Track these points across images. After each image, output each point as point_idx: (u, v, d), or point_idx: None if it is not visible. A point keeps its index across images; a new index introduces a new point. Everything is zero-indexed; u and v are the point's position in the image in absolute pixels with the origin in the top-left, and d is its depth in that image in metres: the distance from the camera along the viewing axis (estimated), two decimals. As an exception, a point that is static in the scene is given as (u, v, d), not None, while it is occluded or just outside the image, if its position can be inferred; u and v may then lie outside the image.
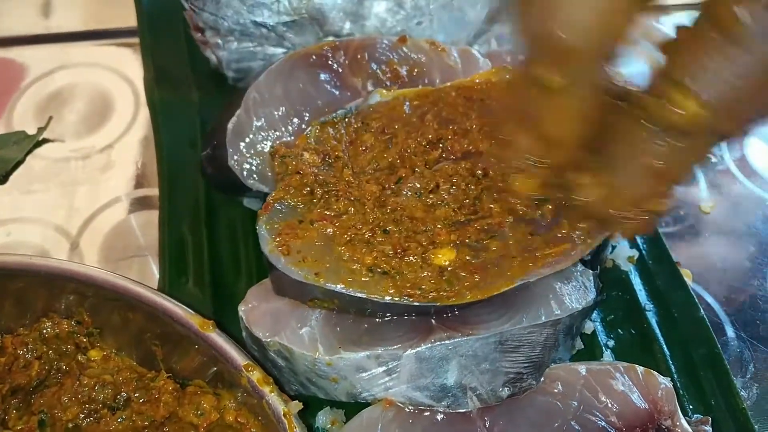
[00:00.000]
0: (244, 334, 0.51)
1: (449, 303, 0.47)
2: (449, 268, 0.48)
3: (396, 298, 0.47)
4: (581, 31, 0.34)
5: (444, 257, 0.48)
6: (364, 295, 0.47)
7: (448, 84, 0.59)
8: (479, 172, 0.52)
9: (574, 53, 0.35)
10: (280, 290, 0.51)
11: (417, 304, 0.47)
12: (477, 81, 0.59)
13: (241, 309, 0.51)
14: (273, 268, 0.49)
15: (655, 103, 0.36)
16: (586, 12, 0.34)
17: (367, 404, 0.50)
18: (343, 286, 0.47)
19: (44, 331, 0.49)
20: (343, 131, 0.56)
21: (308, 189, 0.52)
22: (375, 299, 0.47)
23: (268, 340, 0.49)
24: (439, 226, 0.50)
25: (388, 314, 0.49)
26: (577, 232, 0.49)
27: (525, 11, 0.36)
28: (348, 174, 0.53)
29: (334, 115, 0.57)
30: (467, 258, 0.48)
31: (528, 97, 0.38)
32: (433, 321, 0.49)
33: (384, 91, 0.58)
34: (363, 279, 0.47)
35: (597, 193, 0.41)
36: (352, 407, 0.51)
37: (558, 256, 0.48)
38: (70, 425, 0.46)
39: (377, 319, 0.50)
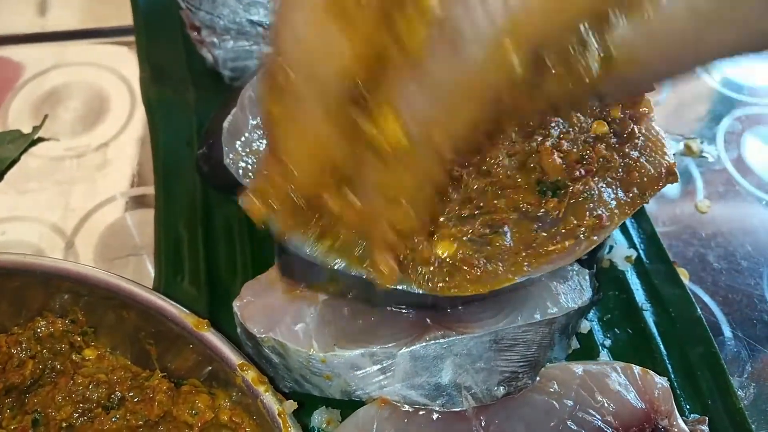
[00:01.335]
0: (238, 330, 0.51)
1: (450, 294, 0.46)
2: (450, 261, 0.47)
3: (399, 285, 0.46)
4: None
5: (442, 251, 0.48)
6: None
7: None
8: (484, 167, 0.52)
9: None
10: (286, 272, 0.51)
11: (420, 291, 0.46)
12: None
13: (236, 305, 0.51)
14: (281, 248, 0.49)
15: (366, 125, 0.34)
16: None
17: (362, 403, 0.50)
18: (351, 268, 0.46)
19: (38, 330, 0.49)
20: None
21: None
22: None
23: (263, 335, 0.49)
24: (441, 219, 0.49)
25: (387, 305, 0.49)
26: (582, 229, 0.49)
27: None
28: None
29: None
30: (470, 253, 0.48)
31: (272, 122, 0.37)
32: (428, 320, 0.49)
33: None
34: (367, 263, 0.46)
35: (346, 214, 0.40)
36: (348, 407, 0.51)
37: (562, 253, 0.48)
38: (64, 425, 0.46)
39: (372, 318, 0.50)
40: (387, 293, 0.47)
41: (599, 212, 0.50)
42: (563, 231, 0.49)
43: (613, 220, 0.50)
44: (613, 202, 0.51)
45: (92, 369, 0.48)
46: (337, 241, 0.48)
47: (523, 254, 0.48)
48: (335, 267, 0.47)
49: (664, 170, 0.52)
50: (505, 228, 0.49)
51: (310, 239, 0.48)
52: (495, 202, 0.51)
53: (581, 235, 0.49)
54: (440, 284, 0.46)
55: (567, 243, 0.49)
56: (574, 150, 0.52)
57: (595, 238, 0.49)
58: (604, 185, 0.51)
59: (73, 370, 0.48)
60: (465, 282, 0.47)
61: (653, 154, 0.53)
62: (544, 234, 0.49)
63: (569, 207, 0.50)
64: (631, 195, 0.51)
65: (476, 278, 0.47)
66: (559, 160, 0.51)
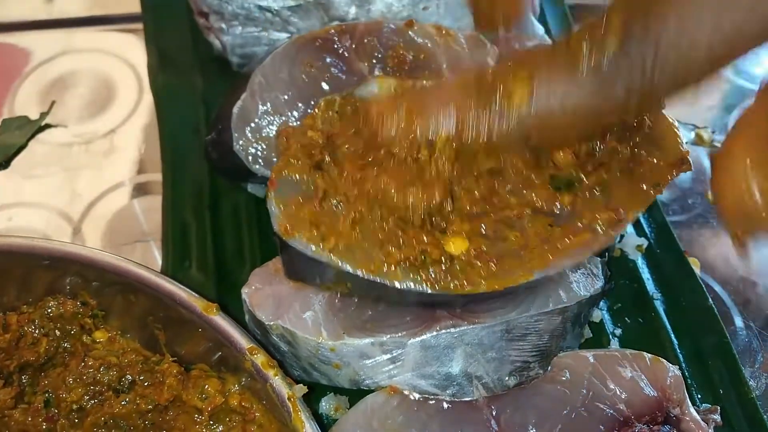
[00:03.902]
0: (247, 317, 0.51)
1: (464, 292, 0.45)
2: (463, 258, 0.46)
3: (411, 285, 0.45)
4: None
5: (456, 247, 0.47)
6: (378, 279, 0.45)
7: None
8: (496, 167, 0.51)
9: None
10: (290, 272, 0.50)
11: (430, 291, 0.45)
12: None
13: (245, 292, 0.50)
14: (285, 247, 0.48)
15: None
16: None
17: (371, 391, 0.49)
18: (358, 269, 0.45)
19: (48, 309, 0.49)
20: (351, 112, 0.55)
21: (314, 159, 0.50)
22: (389, 284, 0.45)
23: (271, 323, 0.48)
24: (453, 217, 0.48)
25: (398, 302, 0.49)
26: (599, 222, 0.48)
27: None
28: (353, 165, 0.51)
29: (345, 93, 0.56)
30: (483, 248, 0.46)
31: None
32: (438, 309, 0.49)
33: (382, 80, 0.55)
34: (376, 262, 0.46)
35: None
36: (356, 394, 0.50)
37: (578, 247, 0.47)
38: (75, 407, 0.46)
39: (382, 306, 0.49)
40: (397, 294, 0.46)
41: (615, 205, 0.49)
42: (579, 225, 0.48)
43: (629, 212, 0.49)
44: (626, 195, 0.50)
45: (103, 351, 0.48)
46: (341, 241, 0.47)
47: (539, 250, 0.47)
48: (340, 267, 0.46)
49: (676, 159, 0.51)
50: (520, 223, 0.48)
51: (315, 239, 0.47)
52: (508, 197, 0.50)
53: (599, 228, 0.48)
54: (453, 283, 0.45)
55: (584, 237, 0.48)
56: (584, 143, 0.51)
57: (613, 232, 0.48)
58: (617, 177, 0.50)
59: (84, 353, 0.48)
60: (479, 278, 0.45)
61: (665, 144, 0.52)
62: (560, 229, 0.48)
63: (584, 201, 0.49)
64: (645, 186, 0.50)
65: (491, 274, 0.46)
66: (569, 154, 0.50)
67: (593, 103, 0.38)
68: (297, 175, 0.50)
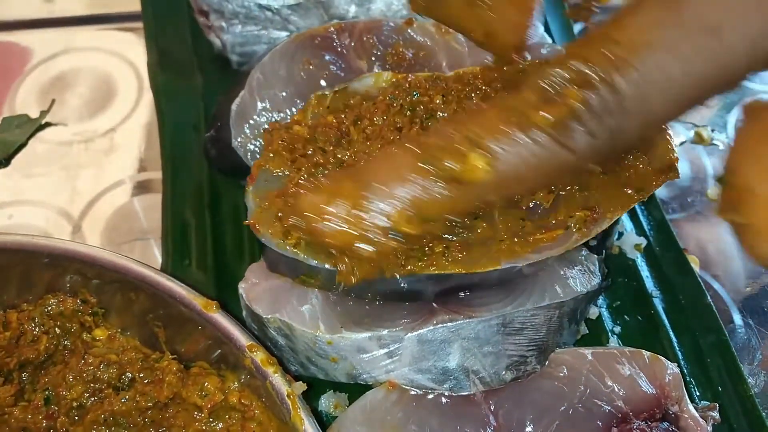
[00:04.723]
0: (244, 312, 0.51)
1: (429, 272, 0.45)
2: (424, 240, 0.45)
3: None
4: None
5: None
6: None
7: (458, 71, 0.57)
8: None
9: None
10: (271, 266, 0.50)
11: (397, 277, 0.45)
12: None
13: (241, 286, 0.51)
14: (260, 243, 0.48)
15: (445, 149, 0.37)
16: None
17: (368, 386, 0.50)
18: (322, 262, 0.46)
19: (48, 307, 0.49)
20: (343, 106, 0.55)
21: (294, 155, 0.50)
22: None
23: (269, 316, 0.48)
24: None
25: (368, 291, 0.48)
26: (573, 220, 0.48)
27: None
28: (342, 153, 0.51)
29: (338, 87, 0.56)
30: (448, 236, 0.46)
31: None
32: (434, 303, 0.49)
33: (378, 74, 0.56)
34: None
35: None
36: (355, 391, 0.50)
37: (550, 242, 0.47)
38: (75, 404, 0.46)
39: (377, 302, 0.49)
40: (369, 283, 0.45)
41: (591, 205, 0.49)
42: (553, 222, 0.48)
43: (606, 214, 0.49)
44: (608, 197, 0.49)
45: (103, 349, 0.48)
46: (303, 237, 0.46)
47: (508, 242, 0.47)
48: (304, 261, 0.46)
49: (664, 166, 0.51)
50: (489, 216, 0.48)
51: (279, 234, 0.47)
52: None
53: (572, 227, 0.48)
54: (418, 265, 0.45)
55: (556, 233, 0.48)
56: None
57: (586, 230, 0.48)
58: (599, 179, 0.50)
59: (84, 350, 0.48)
60: (443, 261, 0.46)
61: (656, 149, 0.51)
62: (532, 223, 0.48)
63: (559, 199, 0.49)
64: (628, 190, 0.50)
65: (456, 260, 0.46)
66: None
67: (556, 159, 0.36)
68: (277, 170, 0.50)
